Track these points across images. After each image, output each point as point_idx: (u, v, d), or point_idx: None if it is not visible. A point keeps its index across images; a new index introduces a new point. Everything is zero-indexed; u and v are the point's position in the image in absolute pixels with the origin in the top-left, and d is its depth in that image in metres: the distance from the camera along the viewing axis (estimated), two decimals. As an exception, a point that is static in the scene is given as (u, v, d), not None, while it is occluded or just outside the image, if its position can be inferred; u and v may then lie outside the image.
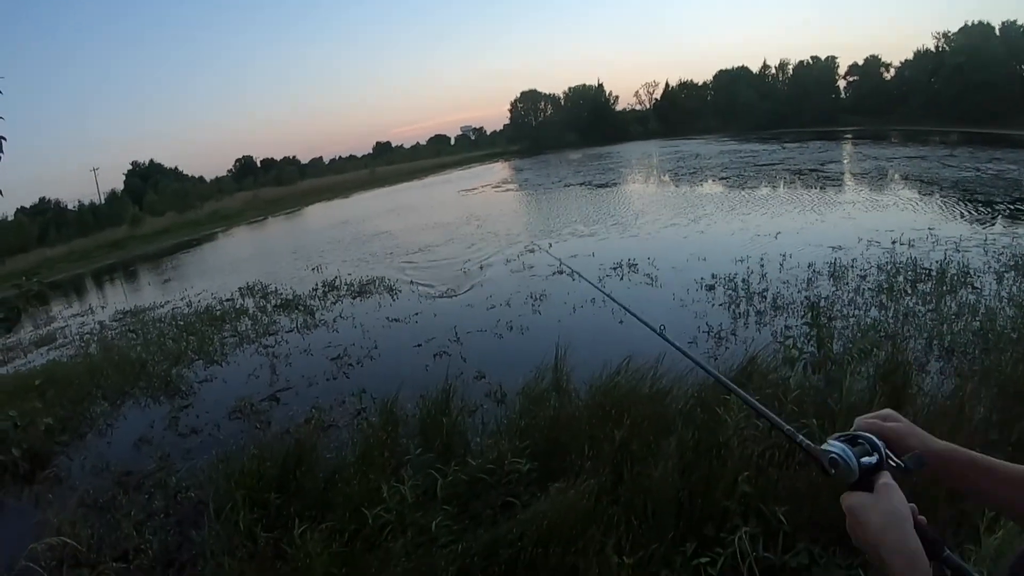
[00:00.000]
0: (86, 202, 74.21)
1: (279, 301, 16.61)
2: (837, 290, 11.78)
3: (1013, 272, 11.68)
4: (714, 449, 5.28)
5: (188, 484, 7.19)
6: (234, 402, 9.74)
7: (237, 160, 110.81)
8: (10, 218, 63.18)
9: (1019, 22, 67.40)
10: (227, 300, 17.78)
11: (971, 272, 11.89)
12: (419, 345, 11.55)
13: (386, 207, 42.28)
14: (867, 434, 1.36)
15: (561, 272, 15.52)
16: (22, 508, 7.47)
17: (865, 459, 1.31)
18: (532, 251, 18.86)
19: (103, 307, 21.70)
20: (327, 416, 8.75)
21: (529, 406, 7.01)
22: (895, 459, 1.33)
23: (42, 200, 76.10)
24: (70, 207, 74.16)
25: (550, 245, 19.35)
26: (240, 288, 18.93)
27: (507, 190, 43.96)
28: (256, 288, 18.67)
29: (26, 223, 62.13)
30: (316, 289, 17.23)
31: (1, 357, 15.89)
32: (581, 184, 39.74)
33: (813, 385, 6.47)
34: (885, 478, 1.29)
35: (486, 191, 44.11)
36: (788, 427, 1.60)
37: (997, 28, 68.51)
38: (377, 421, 7.17)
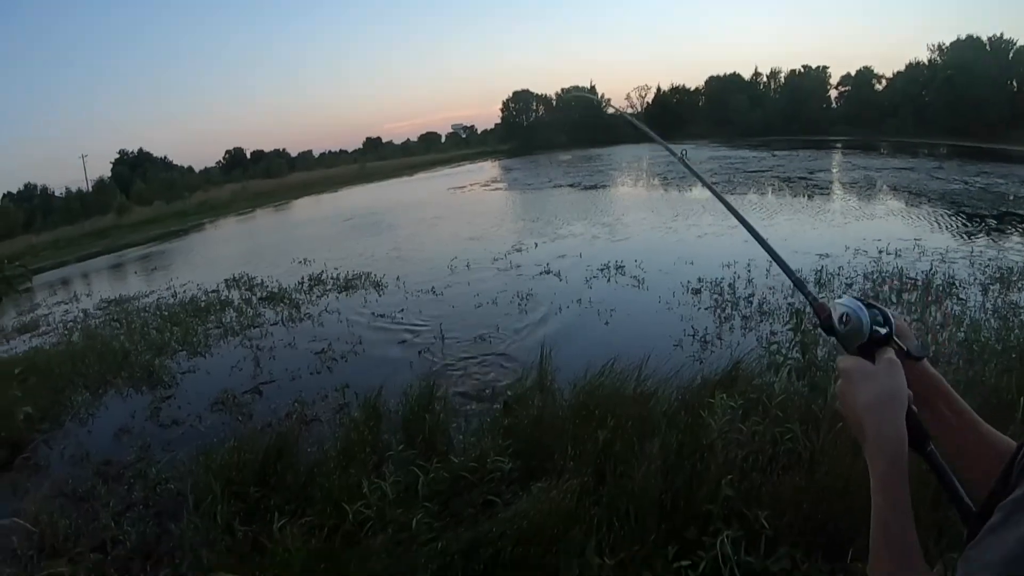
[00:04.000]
0: (73, 189, 73.74)
1: (264, 293, 16.56)
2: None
3: (998, 284, 11.68)
4: (697, 452, 5.25)
5: (168, 475, 7.10)
6: (216, 394, 9.67)
7: (227, 151, 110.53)
8: (-4, 204, 62.85)
9: (1007, 36, 67.81)
10: (212, 291, 17.69)
11: (957, 283, 11.88)
12: (403, 341, 11.52)
13: (375, 203, 42.12)
14: (881, 306, 1.31)
15: (548, 272, 15.57)
16: (-1, 495, 7.39)
17: (877, 327, 1.28)
18: (519, 250, 18.88)
19: (88, 295, 21.46)
20: (309, 410, 8.70)
21: (513, 405, 7.01)
22: (900, 343, 1.29)
23: (28, 186, 75.88)
24: (57, 193, 73.78)
25: (536, 246, 19.41)
26: (226, 279, 18.79)
27: (496, 189, 43.96)
28: (242, 280, 18.57)
29: (12, 209, 61.68)
30: (302, 283, 17.13)
31: (-17, 343, 15.74)
32: (570, 185, 39.67)
33: (798, 391, 6.44)
34: (890, 354, 1.26)
35: (475, 189, 44.07)
36: (796, 275, 1.61)
37: (987, 43, 68.55)
38: (359, 416, 7.14)
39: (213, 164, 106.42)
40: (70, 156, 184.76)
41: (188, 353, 12.15)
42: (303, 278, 17.61)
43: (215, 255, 27.99)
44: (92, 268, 31.54)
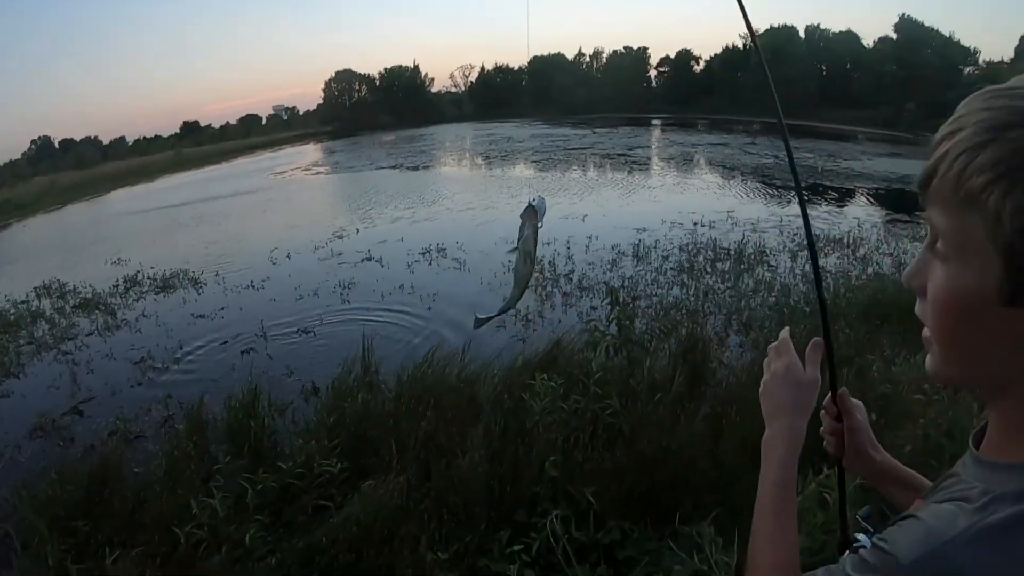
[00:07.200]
0: None
1: (78, 301, 15.76)
2: (641, 270, 12.50)
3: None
4: (521, 435, 5.53)
5: (-8, 516, 6.90)
6: (34, 419, 9.18)
7: (33, 140, 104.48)
8: None
9: (822, 25, 76.87)
10: (21, 302, 16.59)
11: (767, 251, 12.87)
12: (225, 343, 11.39)
13: (192, 193, 40.66)
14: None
15: (370, 259, 15.68)
16: None
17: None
18: (341, 237, 18.91)
19: None
20: (133, 426, 8.51)
21: (337, 402, 7.10)
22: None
23: None
24: None
25: (357, 231, 19.48)
26: (36, 287, 17.62)
27: (318, 173, 43.44)
28: (53, 287, 17.50)
29: None
30: (117, 285, 16.44)
31: None
32: (393, 167, 39.83)
33: (616, 365, 6.79)
34: None
35: (296, 174, 43.52)
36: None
37: (802, 30, 77.48)
38: (183, 430, 7.07)
39: (19, 156, 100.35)
40: None
41: (-1, 375, 11.59)
42: (118, 280, 16.92)
43: (23, 260, 26.41)
44: None
